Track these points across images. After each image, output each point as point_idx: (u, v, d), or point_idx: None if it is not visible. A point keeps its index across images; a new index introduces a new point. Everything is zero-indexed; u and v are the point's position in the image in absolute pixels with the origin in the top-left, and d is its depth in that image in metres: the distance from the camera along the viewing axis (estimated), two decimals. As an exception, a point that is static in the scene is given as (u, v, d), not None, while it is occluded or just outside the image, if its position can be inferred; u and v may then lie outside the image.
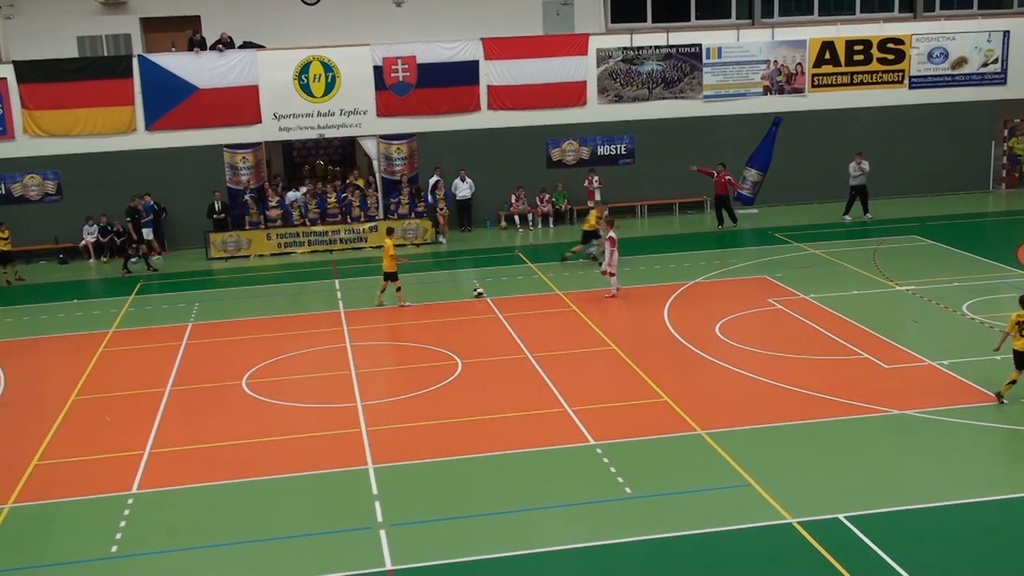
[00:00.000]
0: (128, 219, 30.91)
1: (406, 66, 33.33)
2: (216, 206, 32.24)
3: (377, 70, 33.27)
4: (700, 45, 34.87)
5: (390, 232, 25.54)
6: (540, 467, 15.31)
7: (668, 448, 15.80)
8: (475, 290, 25.39)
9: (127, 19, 34.43)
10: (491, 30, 34.27)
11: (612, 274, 24.66)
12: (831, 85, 35.62)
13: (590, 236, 28.10)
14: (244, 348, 22.10)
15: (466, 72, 33.77)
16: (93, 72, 32.23)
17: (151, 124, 32.60)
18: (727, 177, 32.59)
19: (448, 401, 18.21)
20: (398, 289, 24.64)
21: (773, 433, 16.20)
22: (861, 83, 35.73)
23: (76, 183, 32.45)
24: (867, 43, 35.54)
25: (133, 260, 30.52)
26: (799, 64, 35.33)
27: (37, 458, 16.48)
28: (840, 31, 35.52)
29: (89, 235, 32.18)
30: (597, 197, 34.03)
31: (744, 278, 26.09)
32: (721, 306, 23.39)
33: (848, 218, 32.72)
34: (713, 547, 12.82)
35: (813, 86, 35.57)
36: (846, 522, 13.16)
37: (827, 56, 35.44)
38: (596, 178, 34.00)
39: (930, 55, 35.89)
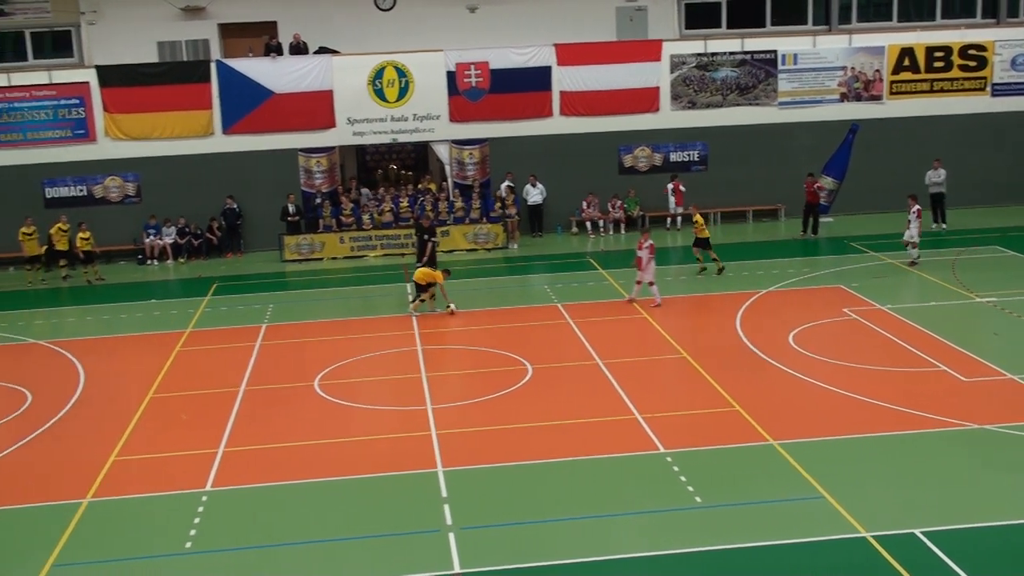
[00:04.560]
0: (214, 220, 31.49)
1: (479, 71, 33.48)
2: (290, 208, 32.64)
3: (450, 75, 33.46)
4: (775, 51, 34.55)
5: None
6: (609, 474, 15.26)
7: (739, 458, 15.66)
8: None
9: (206, 25, 34.98)
10: (564, 36, 34.27)
11: (651, 283, 24.57)
12: (910, 92, 35.06)
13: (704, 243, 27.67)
14: (317, 350, 22.35)
15: (539, 78, 33.82)
16: (172, 76, 32.85)
17: (228, 128, 33.14)
18: (817, 185, 32.19)
19: (518, 406, 18.24)
20: (432, 296, 24.69)
21: (848, 445, 15.97)
22: (941, 90, 35.12)
23: (155, 185, 33.09)
24: (948, 49, 34.92)
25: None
26: (877, 71, 34.82)
27: (115, 454, 16.82)
28: (920, 37, 34.96)
29: (167, 236, 32.77)
30: (676, 205, 33.83)
31: (819, 287, 25.77)
32: (795, 315, 23.13)
33: (935, 226, 32.16)
34: (784, 560, 12.67)
35: (891, 93, 35.03)
36: (923, 538, 12.93)
37: (906, 63, 34.88)
38: (671, 185, 33.82)
39: (1013, 62, 35.15)
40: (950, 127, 35.02)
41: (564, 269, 29.26)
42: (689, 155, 34.89)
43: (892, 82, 34.97)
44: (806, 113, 34.80)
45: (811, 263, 28.58)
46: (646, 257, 24.43)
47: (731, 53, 34.42)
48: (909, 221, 27.27)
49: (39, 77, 32.82)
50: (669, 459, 15.58)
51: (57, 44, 35.11)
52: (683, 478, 14.89)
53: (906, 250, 27.49)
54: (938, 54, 34.93)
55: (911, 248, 27.35)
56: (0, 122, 32.51)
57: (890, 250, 29.04)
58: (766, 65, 34.55)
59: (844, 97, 34.88)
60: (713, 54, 34.39)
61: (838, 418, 17.05)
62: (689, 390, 18.77)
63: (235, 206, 33.02)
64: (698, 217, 27.48)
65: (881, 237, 31.02)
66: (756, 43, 34.65)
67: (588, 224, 34.04)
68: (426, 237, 26.68)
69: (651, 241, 24.72)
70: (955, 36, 35.07)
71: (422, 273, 24.82)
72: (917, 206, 27.42)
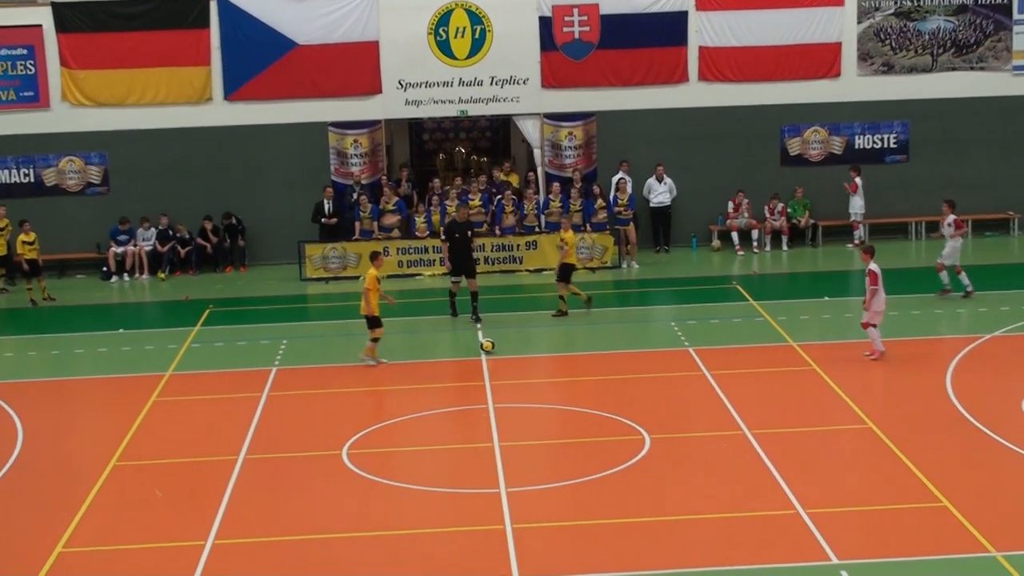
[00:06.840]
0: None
1: (584, 17, 33.60)
2: (327, 207, 32.90)
3: (544, 22, 33.64)
4: (1011, -7, 34.36)
5: (375, 257, 25.03)
6: (759, 593, 15.12)
7: (949, 574, 15.39)
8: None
9: (205, -52, 35.70)
10: (707, -32, 34.37)
11: (874, 325, 24.00)
12: None
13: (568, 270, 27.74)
14: (347, 405, 22.50)
15: (669, 28, 33.88)
16: (157, 19, 33.49)
17: (232, 92, 33.69)
18: None
19: (628, 491, 18.13)
20: (374, 340, 24.45)
21: (1107, 561, 15.65)
22: None
23: (129, 170, 33.65)
24: None
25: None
26: None
27: (62, 544, 16.98)
28: None
29: (144, 241, 33.29)
30: (859, 209, 33.57)
31: (1069, 333, 25.43)
32: (1033, 372, 22.82)
33: None
34: None
35: None
36: None
37: None
38: (858, 179, 33.56)
39: None
40: None
41: (700, 299, 29.18)
42: (883, 140, 34.67)
43: None
44: (1053, 82, 34.51)
45: (1057, 297, 28.20)
46: (868, 287, 23.77)
47: (946, -5, 34.26)
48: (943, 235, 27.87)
49: (-27, 18, 33.70)
50: (845, 574, 15.37)
51: (0, -27, 36.03)
52: (866, 602, 14.72)
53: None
54: None
55: (960, 274, 27.72)
56: (-82, 80, 33.47)
57: None
58: (996, 12, 34.25)
59: (1111, 60, 34.57)
60: (920, -4, 34.25)
61: (1094, 522, 16.72)
62: (877, 476, 18.55)
63: (235, 220, 33.44)
64: (568, 236, 27.53)
65: None
66: (983, -19, 34.45)
67: (735, 236, 33.88)
68: (457, 235, 27.35)
69: (873, 265, 23.82)
70: None
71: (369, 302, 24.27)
72: (952, 215, 27.53)
